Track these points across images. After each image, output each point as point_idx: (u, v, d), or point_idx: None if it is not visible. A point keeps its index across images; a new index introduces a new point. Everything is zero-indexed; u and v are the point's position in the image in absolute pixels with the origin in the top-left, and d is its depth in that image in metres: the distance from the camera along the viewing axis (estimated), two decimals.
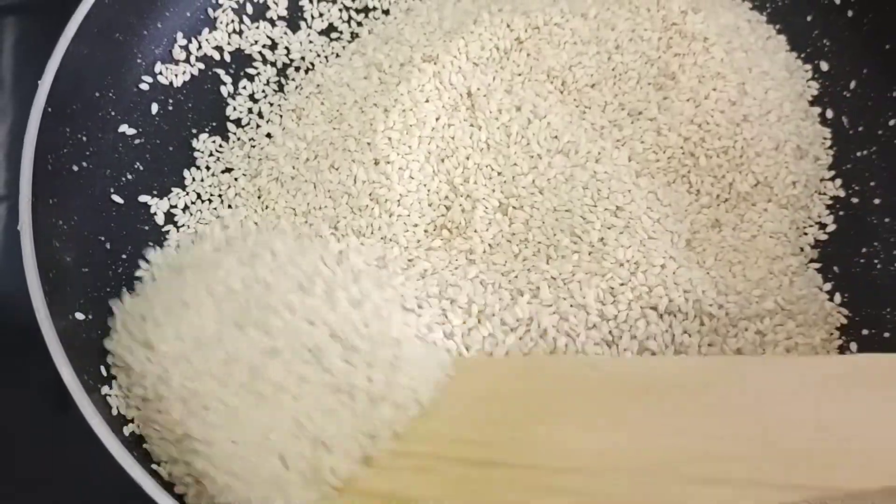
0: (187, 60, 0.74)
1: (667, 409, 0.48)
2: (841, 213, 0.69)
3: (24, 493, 0.66)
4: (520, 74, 0.71)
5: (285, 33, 0.77)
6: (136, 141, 0.70)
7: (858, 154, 0.71)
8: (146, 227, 0.68)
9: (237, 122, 0.73)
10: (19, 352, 0.67)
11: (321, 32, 0.78)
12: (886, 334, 0.64)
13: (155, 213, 0.68)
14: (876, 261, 0.67)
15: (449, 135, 0.68)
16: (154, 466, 0.55)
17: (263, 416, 0.53)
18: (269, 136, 0.72)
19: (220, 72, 0.75)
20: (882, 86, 0.73)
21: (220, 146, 0.72)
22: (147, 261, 0.65)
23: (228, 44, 0.76)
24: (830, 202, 0.70)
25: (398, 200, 0.65)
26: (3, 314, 0.73)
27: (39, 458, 0.67)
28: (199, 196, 0.69)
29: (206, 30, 0.76)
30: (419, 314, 0.60)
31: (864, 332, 0.64)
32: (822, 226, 0.69)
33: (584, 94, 0.71)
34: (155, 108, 0.72)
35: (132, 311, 0.60)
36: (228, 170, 0.71)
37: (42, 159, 0.60)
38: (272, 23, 0.77)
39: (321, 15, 0.78)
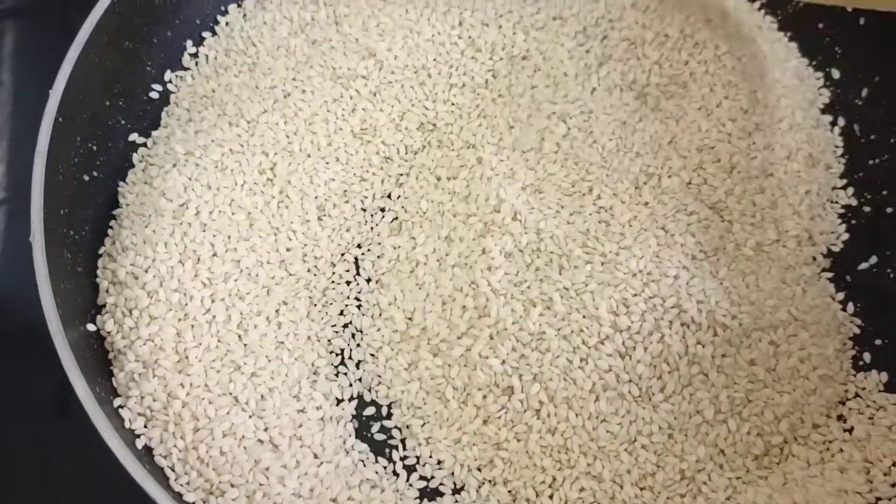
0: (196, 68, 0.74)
1: None
2: (853, 221, 0.69)
3: (24, 493, 0.66)
4: None
5: None
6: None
7: (871, 163, 0.71)
8: None
9: None
10: (19, 353, 0.68)
11: None
12: None
13: None
14: (889, 270, 0.67)
15: None
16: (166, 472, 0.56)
17: None
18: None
19: None
20: (894, 93, 0.72)
21: None
22: None
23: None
24: (843, 211, 0.70)
25: None
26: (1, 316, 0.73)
27: (40, 458, 0.66)
28: None
29: (216, 37, 0.75)
30: None
31: (878, 341, 0.64)
32: (835, 235, 0.68)
33: None
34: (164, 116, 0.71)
35: None
36: None
37: (53, 169, 0.60)
38: None
39: None
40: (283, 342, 0.63)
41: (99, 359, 0.59)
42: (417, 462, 0.62)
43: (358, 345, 0.65)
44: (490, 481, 0.60)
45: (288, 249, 0.66)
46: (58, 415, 0.67)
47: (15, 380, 0.69)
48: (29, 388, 0.68)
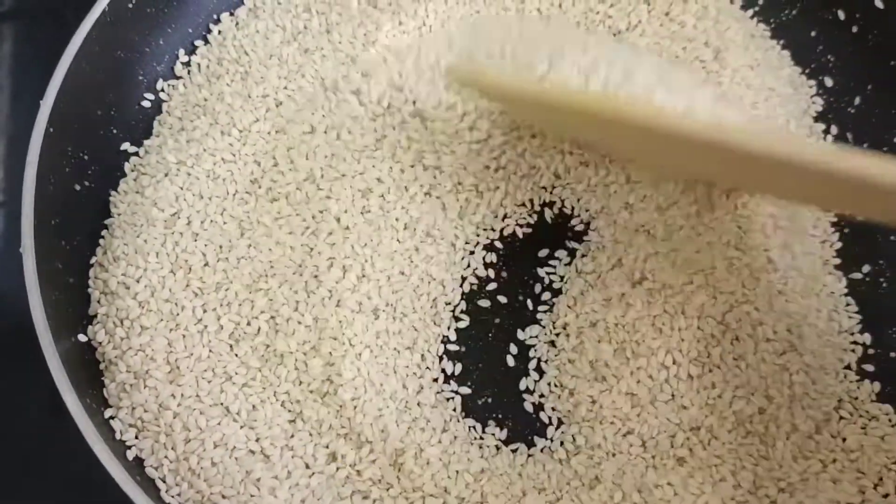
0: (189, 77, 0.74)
1: None
2: (846, 230, 0.69)
3: (22, 494, 0.66)
4: None
5: None
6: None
7: None
8: None
9: None
10: (15, 353, 0.67)
11: None
12: (893, 354, 0.64)
13: None
14: (881, 279, 0.67)
15: None
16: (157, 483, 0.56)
17: None
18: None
19: None
20: (887, 102, 0.72)
21: None
22: None
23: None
24: (835, 219, 0.69)
25: None
26: None
27: (37, 459, 0.66)
28: None
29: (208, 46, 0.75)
30: None
31: (870, 351, 0.64)
32: (828, 244, 0.68)
33: None
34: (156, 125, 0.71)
35: None
36: None
37: (44, 180, 0.60)
38: None
39: None
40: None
41: (90, 369, 0.59)
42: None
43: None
44: None
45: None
46: (54, 416, 0.66)
47: (12, 380, 0.69)
48: (26, 389, 0.68)
